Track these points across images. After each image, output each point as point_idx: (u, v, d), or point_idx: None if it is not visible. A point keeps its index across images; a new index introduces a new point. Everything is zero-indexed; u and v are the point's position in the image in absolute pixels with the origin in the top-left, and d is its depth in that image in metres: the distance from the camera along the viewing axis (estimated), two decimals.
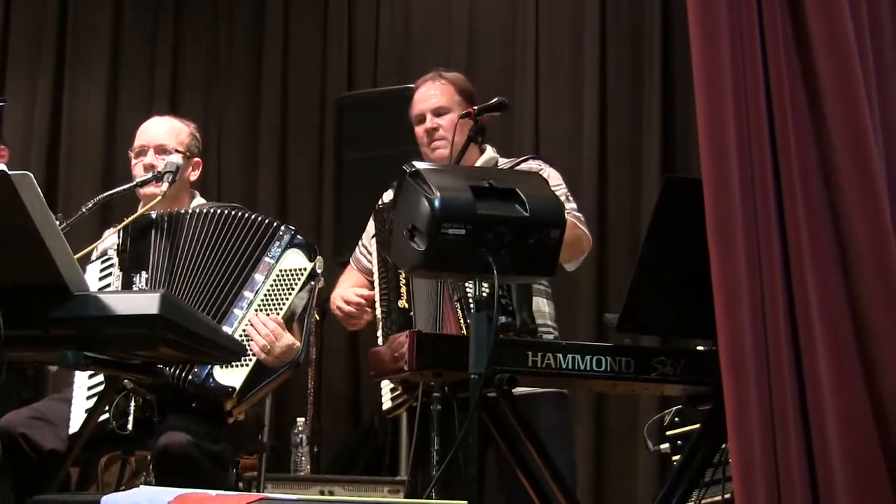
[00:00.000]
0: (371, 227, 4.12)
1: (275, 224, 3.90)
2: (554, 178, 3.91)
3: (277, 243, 3.86)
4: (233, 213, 3.93)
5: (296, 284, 3.82)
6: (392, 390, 3.58)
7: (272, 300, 3.81)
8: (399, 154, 4.80)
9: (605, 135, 6.05)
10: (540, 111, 6.17)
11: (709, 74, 2.66)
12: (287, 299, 3.82)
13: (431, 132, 3.99)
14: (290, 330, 3.80)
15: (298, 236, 3.89)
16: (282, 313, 3.78)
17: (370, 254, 3.99)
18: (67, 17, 6.85)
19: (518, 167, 3.90)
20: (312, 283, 3.85)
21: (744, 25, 2.69)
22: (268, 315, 3.76)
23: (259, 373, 3.71)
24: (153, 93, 6.89)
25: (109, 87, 6.84)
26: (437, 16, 6.57)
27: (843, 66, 2.66)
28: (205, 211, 3.93)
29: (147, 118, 4.37)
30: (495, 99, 3.95)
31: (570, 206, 3.88)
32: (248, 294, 3.80)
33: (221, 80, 6.93)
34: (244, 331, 3.75)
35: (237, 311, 3.79)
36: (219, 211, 3.93)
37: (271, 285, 3.82)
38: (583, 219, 3.94)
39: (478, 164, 4.00)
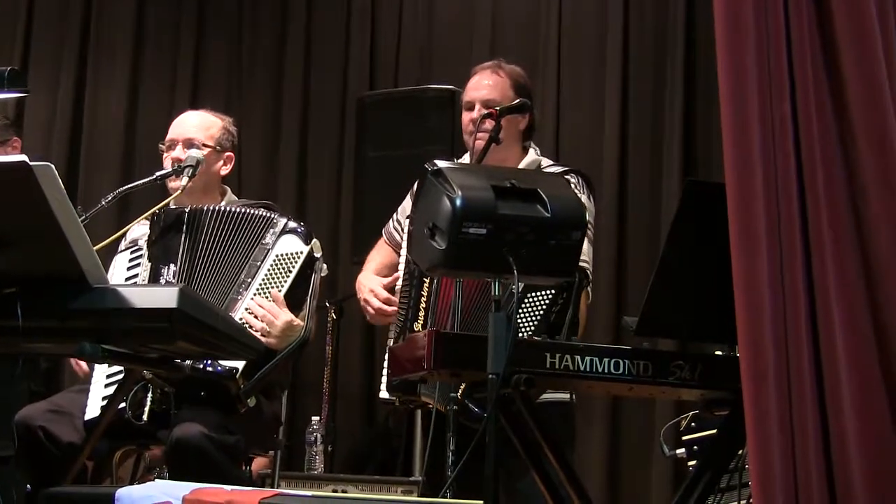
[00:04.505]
0: (408, 202, 4.13)
1: (274, 216, 3.96)
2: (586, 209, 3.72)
3: (272, 230, 3.93)
4: (241, 210, 3.98)
5: (293, 267, 3.87)
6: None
7: (270, 284, 3.84)
8: (419, 154, 4.81)
9: (626, 137, 6.04)
10: (561, 111, 6.16)
11: (734, 80, 2.64)
12: (285, 282, 3.85)
13: (477, 123, 3.98)
14: (295, 315, 3.84)
15: (292, 223, 3.96)
16: (282, 293, 3.82)
17: (404, 231, 3.98)
18: (91, 10, 6.86)
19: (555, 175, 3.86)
20: (313, 267, 3.90)
21: (770, 33, 2.67)
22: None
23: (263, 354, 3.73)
24: (175, 89, 6.87)
25: (131, 83, 6.84)
26: (460, 16, 6.55)
27: (870, 74, 2.64)
28: (221, 209, 3.96)
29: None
30: (517, 100, 3.97)
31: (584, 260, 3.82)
32: (246, 280, 3.86)
33: (243, 77, 6.92)
34: (241, 317, 3.77)
35: (238, 298, 3.82)
36: (231, 209, 3.99)
37: (269, 270, 3.87)
38: (590, 267, 3.92)
39: (521, 166, 3.99)
